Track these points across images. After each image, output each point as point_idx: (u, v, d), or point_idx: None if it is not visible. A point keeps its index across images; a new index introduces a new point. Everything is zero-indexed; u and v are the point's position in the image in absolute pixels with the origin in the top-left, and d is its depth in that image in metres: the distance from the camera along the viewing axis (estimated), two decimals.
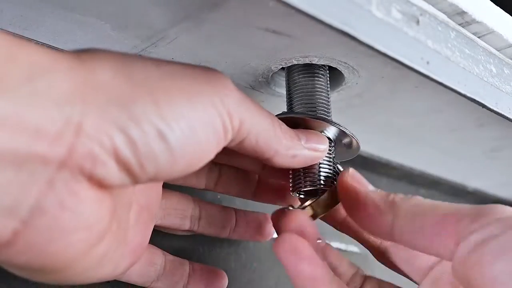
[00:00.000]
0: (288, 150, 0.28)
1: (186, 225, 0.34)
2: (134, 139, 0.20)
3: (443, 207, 0.26)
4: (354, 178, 0.29)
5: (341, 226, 0.34)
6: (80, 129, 0.19)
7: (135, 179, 0.21)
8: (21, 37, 0.28)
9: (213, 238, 0.39)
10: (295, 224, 0.27)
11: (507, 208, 0.25)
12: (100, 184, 0.20)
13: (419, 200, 0.27)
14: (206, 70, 0.24)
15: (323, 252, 0.31)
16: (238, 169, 0.35)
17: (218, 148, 0.24)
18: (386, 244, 0.32)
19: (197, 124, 0.22)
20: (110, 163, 0.20)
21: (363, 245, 0.33)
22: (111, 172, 0.20)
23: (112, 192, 0.22)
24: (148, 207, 0.29)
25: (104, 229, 0.22)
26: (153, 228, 0.33)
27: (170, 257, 0.33)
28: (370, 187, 0.29)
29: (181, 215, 0.34)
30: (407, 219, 0.26)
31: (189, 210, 0.34)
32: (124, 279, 0.31)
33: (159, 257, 0.32)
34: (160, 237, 0.35)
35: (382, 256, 0.33)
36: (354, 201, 0.29)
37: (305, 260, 0.25)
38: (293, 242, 0.26)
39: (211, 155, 0.24)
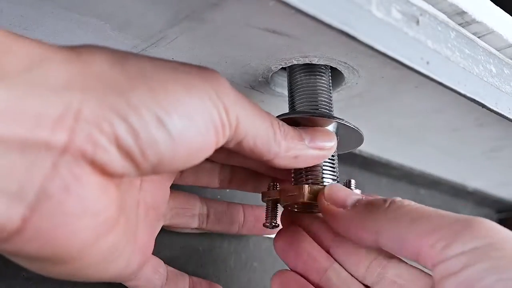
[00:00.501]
0: (289, 152, 0.27)
1: (194, 223, 0.34)
2: (134, 127, 0.20)
3: (422, 225, 0.25)
4: (331, 198, 0.28)
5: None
6: (79, 115, 0.19)
7: (138, 168, 0.21)
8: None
9: (213, 237, 0.39)
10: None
11: (485, 229, 0.24)
12: (103, 170, 0.20)
13: (400, 213, 0.26)
14: (202, 68, 0.24)
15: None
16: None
17: (217, 141, 0.24)
18: None
19: (195, 111, 0.22)
20: (112, 150, 0.20)
21: None
22: (113, 159, 0.20)
23: (117, 182, 0.22)
24: (155, 207, 0.30)
25: (111, 219, 0.22)
26: (162, 228, 0.33)
27: (171, 268, 0.33)
28: (351, 199, 0.28)
29: (189, 214, 0.34)
30: (388, 238, 0.26)
31: (197, 209, 0.35)
32: (133, 284, 0.31)
33: (162, 267, 0.33)
34: (160, 236, 0.35)
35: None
36: (339, 225, 0.28)
37: None
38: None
39: (210, 147, 0.24)
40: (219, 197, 0.40)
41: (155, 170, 0.22)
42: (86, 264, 0.22)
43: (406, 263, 0.30)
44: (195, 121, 0.22)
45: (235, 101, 0.24)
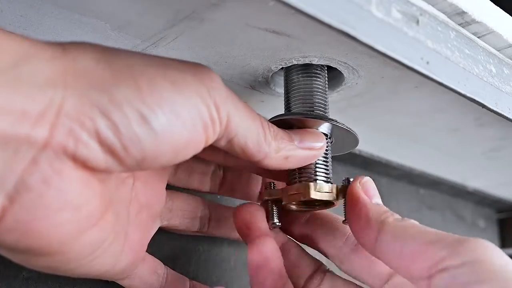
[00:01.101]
0: (279, 152, 0.27)
1: (195, 226, 0.34)
2: (115, 122, 0.20)
3: (425, 236, 0.25)
4: (364, 186, 0.29)
5: (301, 238, 0.34)
6: (61, 111, 0.19)
7: (122, 163, 0.21)
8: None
9: (213, 237, 0.39)
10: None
11: (483, 245, 0.24)
12: (85, 165, 0.20)
13: (409, 224, 0.27)
14: (195, 65, 0.24)
15: (283, 248, 0.32)
16: (241, 172, 0.35)
17: (207, 137, 0.24)
18: (346, 251, 0.32)
19: (181, 108, 0.22)
20: (93, 145, 0.20)
21: (323, 255, 0.33)
22: (95, 154, 0.20)
23: (102, 177, 0.22)
24: (148, 206, 0.29)
25: (94, 213, 0.22)
26: (161, 229, 0.33)
27: (172, 271, 0.33)
28: (375, 200, 0.29)
29: (189, 216, 0.34)
30: (389, 240, 0.26)
31: (198, 212, 0.34)
32: (127, 283, 0.31)
33: (161, 268, 0.32)
34: (160, 236, 0.35)
35: (342, 263, 0.32)
36: (354, 208, 0.29)
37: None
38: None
39: (199, 143, 0.24)
40: (218, 197, 0.40)
41: (141, 166, 0.22)
42: (69, 258, 0.22)
43: (342, 278, 0.31)
44: (181, 118, 0.22)
45: (226, 98, 0.24)
